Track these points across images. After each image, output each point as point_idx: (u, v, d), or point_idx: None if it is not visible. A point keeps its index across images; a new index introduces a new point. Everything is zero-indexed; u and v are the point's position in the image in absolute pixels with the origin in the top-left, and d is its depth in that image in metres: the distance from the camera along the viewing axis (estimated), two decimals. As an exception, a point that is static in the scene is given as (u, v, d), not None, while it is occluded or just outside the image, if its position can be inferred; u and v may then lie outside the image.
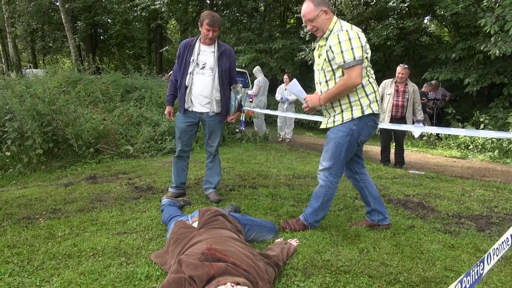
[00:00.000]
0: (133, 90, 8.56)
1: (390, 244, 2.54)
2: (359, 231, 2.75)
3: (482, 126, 8.05)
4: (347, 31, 2.44)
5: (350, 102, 2.56)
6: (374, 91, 2.61)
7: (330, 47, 2.47)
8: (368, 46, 2.54)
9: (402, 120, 5.55)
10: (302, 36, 12.11)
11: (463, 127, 8.11)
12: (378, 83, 3.02)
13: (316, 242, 2.53)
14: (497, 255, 1.33)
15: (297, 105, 11.82)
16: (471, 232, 2.83)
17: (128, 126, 6.41)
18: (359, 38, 2.44)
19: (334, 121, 2.63)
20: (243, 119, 8.57)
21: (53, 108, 5.01)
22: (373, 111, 2.58)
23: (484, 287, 2.03)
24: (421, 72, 10.38)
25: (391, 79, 5.63)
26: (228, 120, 3.52)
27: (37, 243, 2.47)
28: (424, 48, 12.65)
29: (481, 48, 8.01)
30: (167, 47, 21.11)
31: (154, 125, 6.52)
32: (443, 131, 6.31)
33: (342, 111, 2.59)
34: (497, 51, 7.37)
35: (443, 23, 13.23)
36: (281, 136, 8.70)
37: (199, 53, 3.30)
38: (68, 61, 25.96)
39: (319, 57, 2.65)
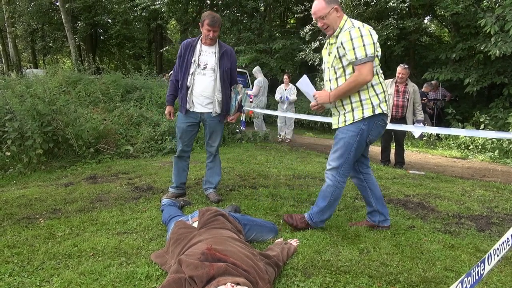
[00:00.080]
0: (133, 90, 8.56)
1: (390, 244, 2.54)
2: (359, 231, 2.75)
3: (482, 126, 8.05)
4: (359, 28, 2.44)
5: (361, 101, 2.55)
6: (384, 91, 2.61)
7: (341, 43, 2.47)
8: (378, 44, 2.54)
9: (402, 120, 5.55)
10: (302, 36, 12.11)
11: (463, 127, 8.10)
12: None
13: (316, 242, 2.53)
14: (497, 256, 1.33)
15: (297, 105, 11.83)
16: (471, 232, 2.83)
17: (128, 126, 6.41)
18: (371, 35, 2.44)
19: (345, 120, 2.62)
20: (243, 119, 8.57)
21: (53, 108, 5.01)
22: (383, 110, 2.58)
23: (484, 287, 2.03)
24: (421, 72, 10.38)
25: (391, 79, 5.63)
26: (228, 120, 3.52)
27: (37, 243, 2.47)
28: (424, 48, 12.66)
29: (481, 48, 8.01)
30: (167, 47, 21.10)
31: (154, 125, 6.52)
32: (443, 131, 6.31)
33: (352, 109, 2.58)
34: (497, 51, 7.37)
35: (443, 23, 13.24)
36: (281, 137, 8.70)
37: (200, 54, 3.30)
38: (68, 61, 25.97)
39: (329, 55, 2.65)
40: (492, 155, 6.96)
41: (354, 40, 2.41)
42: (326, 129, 11.52)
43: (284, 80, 8.62)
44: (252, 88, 9.29)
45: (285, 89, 8.52)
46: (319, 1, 2.54)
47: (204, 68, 3.31)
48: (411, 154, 7.39)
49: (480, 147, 7.55)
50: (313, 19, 2.63)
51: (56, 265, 2.18)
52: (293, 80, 11.31)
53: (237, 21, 15.38)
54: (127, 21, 20.75)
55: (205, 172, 3.67)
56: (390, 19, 10.92)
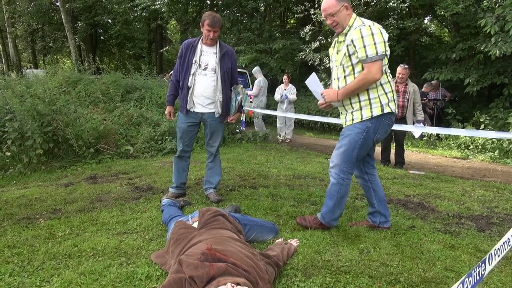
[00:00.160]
0: (133, 90, 8.56)
1: (391, 244, 2.54)
2: (360, 231, 2.75)
3: (482, 126, 8.04)
4: (369, 26, 2.44)
5: (369, 99, 2.54)
6: (392, 90, 2.61)
7: (352, 41, 2.46)
8: (387, 44, 2.52)
9: (402, 120, 5.55)
10: (302, 36, 12.10)
11: (463, 128, 8.10)
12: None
13: (316, 242, 2.53)
14: (498, 256, 1.33)
15: (297, 105, 11.84)
16: (472, 233, 2.83)
17: (128, 126, 6.41)
18: (381, 33, 2.44)
19: (352, 119, 2.61)
20: (243, 120, 8.57)
21: (53, 108, 5.01)
22: (391, 109, 2.57)
23: (484, 288, 2.03)
24: (421, 72, 10.38)
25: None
26: (228, 120, 3.52)
27: (37, 243, 2.47)
28: (424, 48, 12.65)
29: (482, 48, 8.01)
30: (167, 47, 21.09)
31: (154, 125, 6.52)
32: (443, 131, 6.31)
33: (360, 108, 2.57)
34: (497, 51, 7.36)
35: (443, 24, 13.23)
36: (281, 137, 8.69)
37: (201, 54, 3.31)
38: (68, 61, 25.97)
39: (337, 53, 2.64)
40: (492, 155, 6.96)
41: (365, 38, 2.41)
42: (326, 129, 11.52)
43: (284, 80, 8.62)
44: (252, 88, 9.29)
45: (285, 89, 8.51)
46: None
47: (205, 68, 3.32)
48: (411, 154, 7.38)
49: (480, 147, 7.55)
50: (322, 16, 2.61)
51: (56, 265, 2.18)
52: (293, 80, 11.33)
53: (237, 21, 15.38)
54: (127, 21, 20.74)
55: (205, 172, 3.68)
56: (390, 19, 10.92)
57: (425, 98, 9.13)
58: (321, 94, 2.73)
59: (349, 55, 2.51)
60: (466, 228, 2.94)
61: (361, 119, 2.56)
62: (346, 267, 2.18)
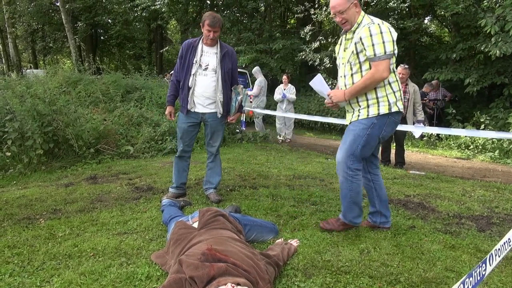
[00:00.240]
0: (134, 91, 8.56)
1: (391, 244, 2.54)
2: (360, 231, 2.75)
3: (482, 126, 8.04)
4: (378, 24, 2.43)
5: (377, 98, 2.53)
6: (399, 89, 2.60)
7: (360, 39, 2.45)
8: (395, 43, 2.51)
9: (402, 120, 5.54)
10: (303, 36, 12.10)
11: (463, 128, 8.10)
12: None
13: (316, 242, 2.53)
14: (499, 256, 1.33)
15: (296, 105, 11.84)
16: (472, 233, 2.83)
17: (129, 126, 6.41)
18: (390, 32, 2.43)
19: (358, 115, 2.59)
20: (244, 120, 8.57)
21: (53, 109, 5.01)
22: (399, 108, 2.56)
23: (485, 288, 2.03)
24: (421, 72, 10.38)
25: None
26: (228, 120, 3.53)
27: (38, 244, 2.47)
28: (424, 49, 12.65)
29: (482, 48, 8.01)
30: (167, 47, 21.10)
31: (154, 126, 6.52)
32: (443, 131, 6.31)
33: (368, 106, 2.55)
34: (497, 51, 7.36)
35: (444, 24, 13.23)
36: (281, 137, 8.68)
37: (202, 54, 3.31)
38: (68, 61, 25.98)
39: (344, 50, 2.63)
40: (493, 155, 6.96)
41: (374, 37, 2.40)
42: (326, 129, 11.52)
43: (283, 80, 8.60)
44: (252, 88, 9.28)
45: (284, 89, 8.50)
46: None
47: (206, 68, 3.32)
48: (411, 154, 7.38)
49: (480, 147, 7.54)
50: (331, 13, 2.59)
51: (56, 266, 2.18)
52: (293, 80, 11.32)
53: (237, 21, 15.37)
54: (127, 22, 20.75)
55: (206, 172, 3.68)
56: (390, 19, 10.92)
57: (425, 98, 9.13)
58: (328, 95, 2.70)
59: (357, 53, 2.50)
60: (467, 228, 2.94)
61: (367, 116, 2.55)
62: (347, 267, 2.18)
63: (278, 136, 8.76)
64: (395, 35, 2.46)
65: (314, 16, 11.71)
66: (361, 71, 2.53)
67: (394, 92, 2.55)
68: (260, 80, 8.84)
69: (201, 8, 17.09)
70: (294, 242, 2.47)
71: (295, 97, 8.60)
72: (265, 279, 1.82)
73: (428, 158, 7.09)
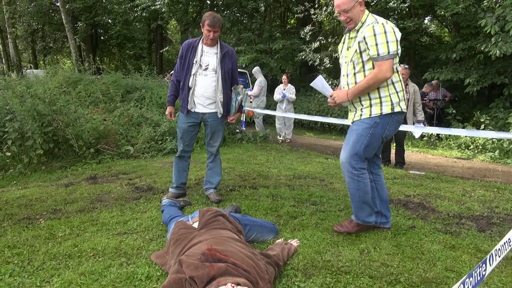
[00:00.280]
0: (134, 91, 8.56)
1: (391, 244, 2.54)
2: (360, 231, 2.75)
3: (482, 126, 8.04)
4: (383, 24, 2.41)
5: (380, 97, 2.52)
6: (402, 89, 2.59)
7: (364, 38, 2.44)
8: (399, 43, 2.49)
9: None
10: (303, 36, 12.10)
11: (463, 128, 8.10)
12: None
13: (316, 242, 2.53)
14: (499, 256, 1.33)
15: (296, 105, 11.84)
16: (472, 233, 2.83)
17: (129, 126, 6.41)
18: (394, 32, 2.42)
19: (361, 115, 2.58)
20: (244, 120, 8.57)
21: (53, 109, 5.01)
22: (401, 109, 2.55)
23: (485, 288, 2.03)
24: (421, 72, 10.38)
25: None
26: (228, 120, 3.53)
27: (38, 244, 2.47)
28: (424, 49, 12.65)
29: (482, 48, 8.00)
30: (167, 47, 21.10)
31: (154, 126, 6.52)
32: (443, 131, 6.30)
33: (370, 105, 2.54)
34: (497, 51, 7.36)
35: (444, 24, 13.22)
36: (281, 137, 8.67)
37: (202, 55, 3.31)
38: (68, 61, 25.98)
39: (347, 49, 2.61)
40: (493, 155, 6.96)
41: (378, 36, 2.39)
42: (326, 129, 11.52)
43: (283, 80, 8.59)
44: (252, 88, 9.28)
45: (284, 89, 8.50)
46: None
47: (206, 68, 3.32)
48: (411, 154, 7.38)
49: (480, 147, 7.54)
50: (336, 12, 2.57)
51: (56, 266, 2.18)
52: (293, 80, 11.32)
53: (237, 22, 15.37)
54: (128, 22, 20.75)
55: (206, 172, 3.68)
56: (390, 19, 10.90)
57: (425, 98, 9.13)
58: (331, 96, 2.69)
59: (360, 52, 2.49)
60: (467, 228, 2.94)
61: (370, 115, 2.54)
62: (347, 268, 2.18)
63: (278, 136, 8.75)
64: (399, 35, 2.45)
65: (314, 16, 11.71)
66: (364, 70, 2.52)
67: (397, 92, 2.54)
68: (260, 80, 8.84)
69: (201, 8, 17.09)
70: (294, 242, 2.47)
71: (295, 97, 8.60)
72: (265, 279, 1.82)
73: (428, 158, 7.09)
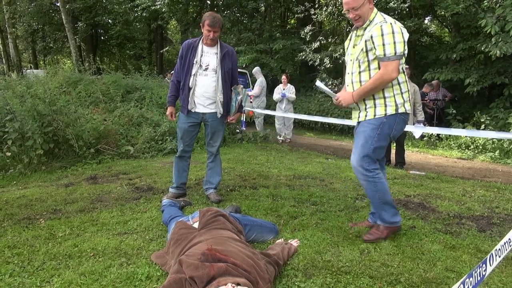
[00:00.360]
0: (134, 91, 8.56)
1: (391, 244, 2.54)
2: (360, 231, 2.75)
3: (482, 126, 8.04)
4: (391, 24, 2.39)
5: (384, 98, 2.50)
6: (408, 90, 2.57)
7: (371, 37, 2.41)
8: (406, 43, 2.46)
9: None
10: (303, 36, 12.11)
11: (463, 128, 8.10)
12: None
13: (316, 242, 2.53)
14: (499, 256, 1.33)
15: (296, 105, 11.84)
16: (472, 233, 2.83)
17: (129, 126, 6.41)
18: (402, 33, 2.39)
19: (366, 115, 2.56)
20: (244, 120, 8.56)
21: (53, 109, 5.01)
22: (406, 110, 2.52)
23: (485, 288, 2.03)
24: (421, 72, 10.38)
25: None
26: (228, 121, 3.53)
27: (38, 244, 2.47)
28: (424, 49, 12.65)
29: (482, 48, 8.01)
30: (167, 47, 21.10)
31: (154, 126, 6.52)
32: (443, 131, 6.30)
33: (375, 106, 2.52)
34: (497, 51, 7.36)
35: (444, 24, 13.23)
36: (281, 137, 8.67)
37: (202, 55, 3.31)
38: (68, 61, 25.98)
39: (354, 47, 2.58)
40: (493, 155, 6.96)
41: (385, 36, 2.36)
42: (327, 129, 11.52)
43: (283, 80, 8.58)
44: (252, 88, 9.28)
45: (284, 89, 8.49)
46: None
47: (206, 69, 3.32)
48: (411, 154, 7.38)
49: (480, 147, 7.54)
50: (344, 9, 2.54)
51: (56, 266, 2.18)
52: (293, 81, 11.31)
53: (238, 22, 15.38)
54: (128, 22, 20.75)
55: (206, 172, 3.68)
56: (390, 19, 10.91)
57: (426, 98, 9.13)
58: (336, 100, 2.66)
59: (366, 51, 2.46)
60: (467, 228, 2.93)
61: (374, 116, 2.52)
62: (347, 268, 2.18)
63: (278, 137, 8.75)
64: (406, 36, 2.42)
65: (314, 16, 11.71)
66: (369, 70, 2.49)
67: (402, 93, 2.51)
68: (261, 81, 8.84)
69: (201, 8, 17.09)
70: (294, 242, 2.46)
71: (295, 97, 8.59)
72: (265, 278, 1.82)
73: (429, 158, 7.08)
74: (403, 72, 2.53)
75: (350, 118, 9.15)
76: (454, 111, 8.80)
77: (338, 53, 11.22)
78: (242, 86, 3.55)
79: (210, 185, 3.58)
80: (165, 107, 7.31)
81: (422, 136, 8.43)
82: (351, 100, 2.57)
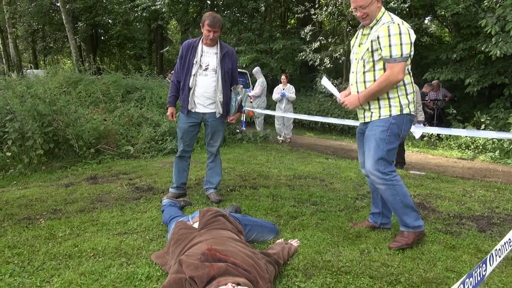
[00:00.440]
0: (134, 91, 8.56)
1: (391, 244, 2.54)
2: (360, 231, 2.75)
3: (483, 126, 8.04)
4: (398, 24, 2.34)
5: (388, 99, 2.46)
6: (413, 91, 2.53)
7: (377, 37, 2.37)
8: (413, 45, 2.42)
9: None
10: (303, 36, 12.11)
11: (464, 128, 8.10)
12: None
13: (316, 242, 2.53)
14: (499, 256, 1.33)
15: (297, 105, 11.84)
16: (472, 233, 2.83)
17: (129, 126, 6.41)
18: (409, 34, 2.35)
19: (371, 116, 2.53)
20: (244, 120, 8.56)
21: (53, 109, 5.01)
22: (410, 111, 2.49)
23: (485, 288, 2.02)
24: (421, 72, 10.38)
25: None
26: (228, 121, 3.53)
27: (38, 244, 2.47)
28: (424, 49, 12.65)
29: (482, 48, 8.01)
30: (167, 47, 21.11)
31: (154, 126, 6.52)
32: (444, 131, 6.30)
33: (379, 107, 2.49)
34: (498, 51, 7.36)
35: (444, 24, 13.23)
36: (282, 137, 8.67)
37: (202, 55, 3.31)
38: (69, 61, 25.99)
39: (359, 46, 2.55)
40: (493, 156, 6.96)
41: (392, 37, 2.32)
42: (327, 129, 11.52)
43: (282, 80, 8.56)
44: (253, 88, 9.28)
45: (283, 89, 8.49)
46: None
47: (206, 69, 3.32)
48: (411, 154, 7.38)
49: (481, 147, 7.54)
50: (352, 7, 2.50)
51: (56, 266, 2.18)
52: (293, 81, 11.29)
53: (238, 22, 15.38)
54: (128, 22, 20.75)
55: (206, 172, 3.68)
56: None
57: (426, 99, 9.13)
58: (342, 103, 2.63)
59: (372, 51, 2.42)
60: (467, 228, 2.93)
61: (379, 117, 2.49)
62: (347, 268, 2.18)
63: (278, 137, 8.75)
64: (413, 37, 2.38)
65: (315, 16, 11.71)
66: (374, 70, 2.46)
67: (407, 94, 2.48)
68: (262, 81, 8.83)
69: (202, 8, 17.10)
70: (295, 242, 2.46)
71: (295, 96, 8.58)
72: (265, 278, 1.82)
73: (429, 158, 7.08)
74: (409, 73, 2.49)
75: (350, 118, 9.18)
76: (454, 111, 8.80)
77: (338, 53, 11.22)
78: (241, 86, 3.55)
79: (210, 185, 3.58)
80: (165, 107, 7.32)
81: (422, 136, 8.43)
82: (357, 103, 2.53)
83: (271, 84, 12.13)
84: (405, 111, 2.47)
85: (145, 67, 10.72)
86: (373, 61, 2.45)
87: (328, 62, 11.40)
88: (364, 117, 2.59)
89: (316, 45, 11.75)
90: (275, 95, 8.54)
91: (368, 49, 2.44)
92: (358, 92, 2.56)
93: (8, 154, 4.55)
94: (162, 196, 3.52)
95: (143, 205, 3.33)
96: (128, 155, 5.58)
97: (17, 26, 22.12)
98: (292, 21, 18.65)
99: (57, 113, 5.03)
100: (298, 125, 12.22)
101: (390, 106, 2.47)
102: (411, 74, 2.53)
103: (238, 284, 1.63)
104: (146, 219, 2.95)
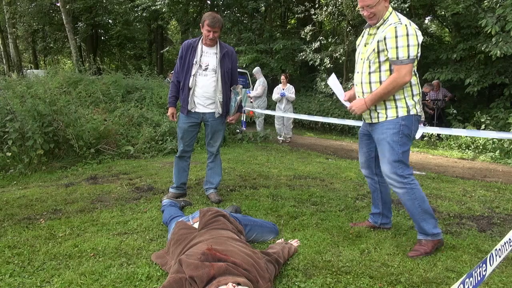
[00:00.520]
0: (134, 91, 8.56)
1: (391, 244, 2.54)
2: (360, 231, 2.75)
3: (483, 126, 8.04)
4: (406, 25, 2.29)
5: (395, 100, 2.43)
6: (419, 93, 2.51)
7: (384, 38, 2.32)
8: (420, 46, 2.38)
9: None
10: (303, 36, 12.11)
11: (464, 128, 8.10)
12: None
13: (317, 242, 2.53)
14: (499, 256, 1.33)
15: (297, 105, 11.84)
16: (472, 233, 2.83)
17: (129, 126, 6.41)
18: (416, 35, 2.31)
19: (378, 116, 2.49)
20: (244, 120, 8.56)
21: (54, 109, 5.01)
22: (417, 112, 2.46)
23: (485, 288, 2.02)
24: (422, 72, 10.38)
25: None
26: (228, 121, 3.53)
27: (38, 244, 2.47)
28: (425, 49, 12.56)
29: (482, 48, 8.01)
30: (167, 47, 21.12)
31: (155, 126, 6.52)
32: (444, 131, 6.30)
33: (386, 108, 2.46)
34: (498, 51, 7.36)
35: (444, 24, 13.23)
36: (282, 137, 8.66)
37: (201, 55, 3.31)
38: (69, 61, 26.00)
39: (365, 45, 2.51)
40: (493, 155, 6.96)
41: (399, 38, 2.28)
42: (327, 129, 11.52)
43: (282, 80, 8.55)
44: (253, 88, 9.27)
45: (283, 89, 8.48)
46: None
47: (206, 69, 3.32)
48: (412, 154, 7.37)
49: (481, 147, 7.54)
50: (359, 6, 2.46)
51: (56, 266, 2.18)
52: (293, 81, 11.29)
53: (238, 22, 15.39)
54: (128, 22, 20.77)
55: (206, 172, 3.68)
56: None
57: (427, 98, 9.13)
58: (349, 109, 2.60)
59: (378, 52, 2.39)
60: (467, 228, 2.93)
61: (386, 118, 2.45)
62: (347, 268, 2.18)
63: (278, 137, 8.74)
64: (420, 38, 2.34)
65: (315, 16, 11.71)
66: (379, 71, 2.42)
67: (413, 96, 2.44)
68: (263, 81, 8.83)
69: (202, 8, 17.11)
70: (295, 242, 2.46)
71: (294, 96, 8.57)
72: (265, 277, 1.82)
73: (429, 158, 7.08)
74: (415, 74, 2.46)
75: (350, 118, 9.17)
76: (454, 111, 8.80)
77: (338, 53, 11.22)
78: (241, 86, 3.55)
79: (210, 185, 3.58)
80: (165, 107, 7.32)
81: (422, 136, 8.43)
82: (365, 108, 2.49)
83: (271, 84, 12.13)
84: (412, 111, 2.44)
85: (145, 67, 10.73)
86: (379, 62, 2.41)
87: (328, 62, 11.40)
88: (371, 118, 2.55)
89: (316, 45, 11.75)
90: (275, 95, 8.54)
91: (374, 49, 2.40)
92: (363, 92, 2.53)
93: (8, 154, 4.56)
94: (162, 196, 3.52)
95: (143, 205, 3.33)
96: (128, 155, 5.58)
97: (17, 26, 22.12)
98: (292, 21, 18.65)
99: (57, 113, 5.03)
100: (298, 125, 12.23)
101: (396, 107, 2.43)
102: (417, 75, 2.50)
103: (238, 284, 1.63)
104: (146, 219, 2.95)
